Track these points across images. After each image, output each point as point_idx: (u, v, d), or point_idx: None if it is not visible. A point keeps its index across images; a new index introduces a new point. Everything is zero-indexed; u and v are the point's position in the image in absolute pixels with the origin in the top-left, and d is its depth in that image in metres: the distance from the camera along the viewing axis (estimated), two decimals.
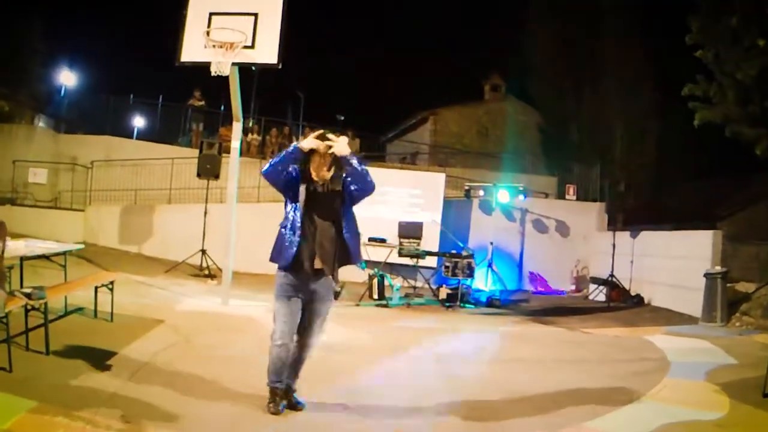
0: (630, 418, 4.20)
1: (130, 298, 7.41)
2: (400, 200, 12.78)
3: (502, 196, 12.87)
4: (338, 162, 3.75)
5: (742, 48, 10.36)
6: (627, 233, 12.02)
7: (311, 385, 4.14)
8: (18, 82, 16.55)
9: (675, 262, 10.37)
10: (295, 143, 3.83)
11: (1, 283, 4.16)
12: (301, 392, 3.96)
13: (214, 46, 7.42)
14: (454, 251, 10.60)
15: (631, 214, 14.52)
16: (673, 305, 10.14)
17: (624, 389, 4.88)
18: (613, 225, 12.55)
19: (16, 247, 5.51)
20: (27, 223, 11.82)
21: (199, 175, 11.35)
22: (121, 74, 26.41)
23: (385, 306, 9.46)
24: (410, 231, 11.01)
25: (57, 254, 6.64)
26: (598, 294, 11.94)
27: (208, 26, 7.52)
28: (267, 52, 7.56)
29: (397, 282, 10.63)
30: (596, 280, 12.26)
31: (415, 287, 10.95)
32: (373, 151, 19.79)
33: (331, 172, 3.81)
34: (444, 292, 10.31)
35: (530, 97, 22.39)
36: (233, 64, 7.51)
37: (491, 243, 12.54)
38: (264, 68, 7.94)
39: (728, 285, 9.02)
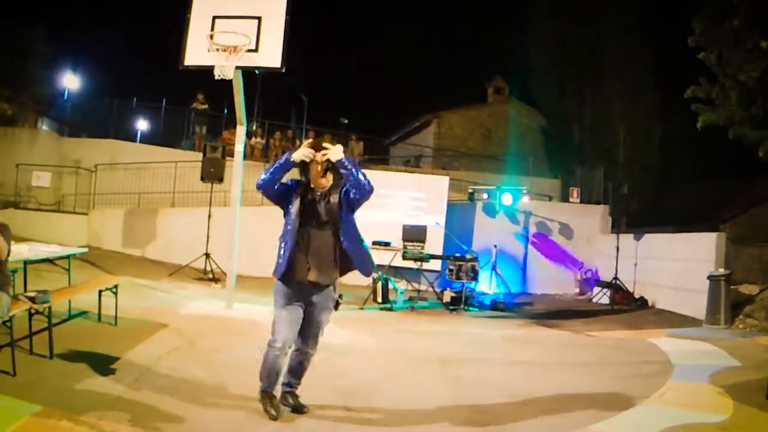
0: (634, 421, 4.20)
1: (133, 302, 7.42)
2: (403, 203, 12.78)
3: (506, 198, 12.87)
4: (335, 169, 3.70)
5: (745, 50, 10.33)
6: (630, 235, 12.01)
7: (315, 387, 4.15)
8: (21, 85, 16.61)
9: (678, 265, 10.35)
10: (287, 154, 3.77)
11: (4, 287, 4.18)
12: (304, 395, 3.97)
13: (217, 49, 7.42)
14: (457, 254, 10.60)
15: (634, 217, 14.50)
16: (676, 307, 10.12)
17: (628, 392, 4.88)
18: (617, 227, 12.53)
19: (19, 251, 5.51)
20: (30, 227, 11.82)
21: (202, 178, 11.39)
22: (124, 77, 26.52)
23: (389, 309, 9.47)
24: (414, 234, 11.04)
25: (60, 258, 6.65)
26: (601, 297, 11.94)
27: (212, 30, 7.51)
28: (270, 55, 7.54)
29: (401, 285, 10.64)
30: (600, 283, 12.24)
31: (419, 290, 10.96)
32: (377, 154, 19.84)
33: (330, 180, 3.78)
34: (448, 295, 10.30)
35: (533, 99, 22.42)
36: (237, 67, 7.50)
37: (495, 246, 12.54)
38: (267, 72, 7.93)
39: (731, 287, 9.00)
